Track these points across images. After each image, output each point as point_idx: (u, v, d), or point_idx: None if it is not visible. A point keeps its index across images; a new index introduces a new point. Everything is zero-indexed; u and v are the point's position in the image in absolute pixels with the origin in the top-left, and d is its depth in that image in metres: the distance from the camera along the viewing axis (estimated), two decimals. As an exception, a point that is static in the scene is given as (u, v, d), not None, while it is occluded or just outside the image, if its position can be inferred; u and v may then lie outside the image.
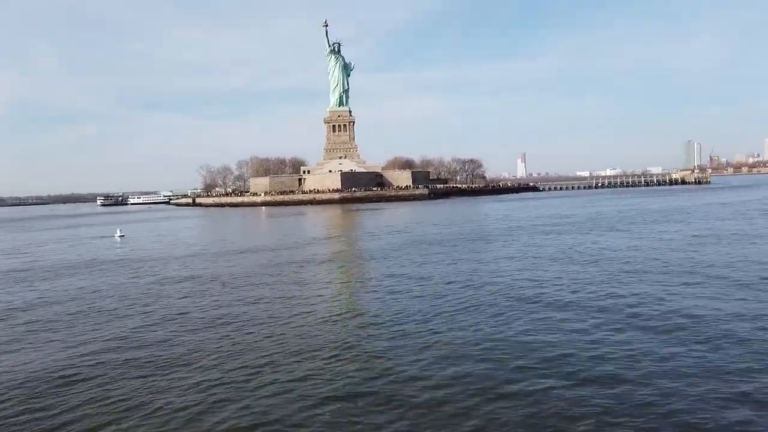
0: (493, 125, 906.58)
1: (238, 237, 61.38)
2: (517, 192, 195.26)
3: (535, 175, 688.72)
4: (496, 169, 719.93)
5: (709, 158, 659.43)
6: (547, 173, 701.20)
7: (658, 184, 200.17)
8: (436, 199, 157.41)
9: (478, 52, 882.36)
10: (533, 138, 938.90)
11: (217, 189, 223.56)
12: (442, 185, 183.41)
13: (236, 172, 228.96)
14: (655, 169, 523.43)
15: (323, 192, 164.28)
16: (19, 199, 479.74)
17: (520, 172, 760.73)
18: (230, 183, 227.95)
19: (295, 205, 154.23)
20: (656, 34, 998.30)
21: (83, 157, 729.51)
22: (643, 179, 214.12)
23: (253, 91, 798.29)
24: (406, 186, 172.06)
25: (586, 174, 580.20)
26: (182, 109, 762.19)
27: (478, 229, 55.24)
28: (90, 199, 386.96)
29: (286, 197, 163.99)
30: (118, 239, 63.82)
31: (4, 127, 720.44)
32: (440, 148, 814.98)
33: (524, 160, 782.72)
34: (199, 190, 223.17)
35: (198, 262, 38.40)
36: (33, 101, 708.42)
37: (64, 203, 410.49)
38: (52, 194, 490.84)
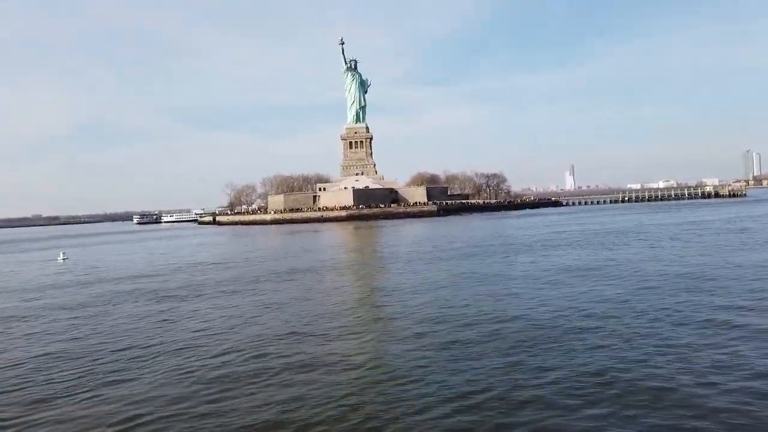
0: (541, 137, 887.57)
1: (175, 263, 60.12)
2: (535, 207, 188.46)
3: (584, 187, 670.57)
4: (543, 182, 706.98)
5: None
6: (597, 185, 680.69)
7: (690, 197, 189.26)
8: (446, 215, 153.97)
9: (524, 61, 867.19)
10: (583, 149, 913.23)
11: (243, 206, 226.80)
12: (453, 201, 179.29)
13: (260, 190, 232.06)
14: (711, 181, 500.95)
15: (332, 209, 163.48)
16: (74, 217, 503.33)
17: (569, 184, 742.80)
18: (253, 200, 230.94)
19: (304, 222, 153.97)
20: (713, 36, 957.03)
21: (137, 176, 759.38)
22: (673, 193, 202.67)
23: (297, 107, 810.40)
24: (415, 203, 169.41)
25: (637, 186, 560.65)
26: (230, 126, 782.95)
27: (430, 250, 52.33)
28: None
29: (295, 215, 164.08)
30: (61, 262, 64.20)
31: (68, 147, 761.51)
32: (483, 161, 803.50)
33: (573, 173, 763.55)
34: (222, 208, 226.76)
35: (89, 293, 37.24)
36: (93, 121, 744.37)
37: (113, 221, 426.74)
38: (108, 212, 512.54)
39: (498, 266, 37.30)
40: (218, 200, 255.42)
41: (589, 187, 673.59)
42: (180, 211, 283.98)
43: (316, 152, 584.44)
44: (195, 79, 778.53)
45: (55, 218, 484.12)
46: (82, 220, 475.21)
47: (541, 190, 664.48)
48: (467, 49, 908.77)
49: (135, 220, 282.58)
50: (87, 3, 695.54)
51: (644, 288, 26.02)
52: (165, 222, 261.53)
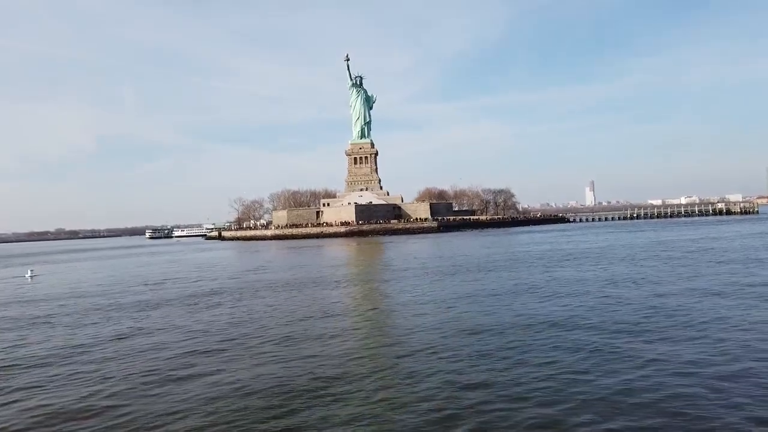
0: (561, 152, 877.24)
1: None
2: (539, 224, 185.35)
3: (604, 203, 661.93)
4: (563, 198, 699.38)
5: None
6: (618, 201, 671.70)
7: (701, 214, 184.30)
8: (447, 231, 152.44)
9: (546, 77, 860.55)
10: (604, 165, 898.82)
11: (252, 221, 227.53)
12: (455, 218, 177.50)
13: (267, 205, 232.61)
14: (734, 197, 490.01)
15: (331, 225, 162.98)
16: (94, 231, 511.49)
17: (589, 200, 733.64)
18: (261, 216, 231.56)
19: (304, 238, 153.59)
20: (736, 49, 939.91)
21: (156, 191, 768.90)
22: (683, 210, 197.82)
23: (313, 121, 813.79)
24: (416, 219, 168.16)
25: (658, 202, 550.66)
26: (247, 141, 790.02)
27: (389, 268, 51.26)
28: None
29: (295, 231, 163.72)
30: (29, 279, 64.42)
31: (91, 163, 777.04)
32: (500, 176, 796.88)
33: (593, 188, 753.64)
34: (230, 223, 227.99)
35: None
36: (114, 137, 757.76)
37: (131, 235, 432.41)
38: (127, 226, 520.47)
39: (424, 287, 36.10)
40: (229, 215, 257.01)
41: (609, 203, 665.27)
42: (191, 226, 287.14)
43: (329, 167, 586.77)
44: (216, 97, 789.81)
45: (76, 233, 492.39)
46: (102, 234, 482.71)
47: (561, 206, 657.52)
48: (485, 64, 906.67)
49: (147, 235, 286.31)
50: (106, 19, 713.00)
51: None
52: (175, 237, 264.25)
